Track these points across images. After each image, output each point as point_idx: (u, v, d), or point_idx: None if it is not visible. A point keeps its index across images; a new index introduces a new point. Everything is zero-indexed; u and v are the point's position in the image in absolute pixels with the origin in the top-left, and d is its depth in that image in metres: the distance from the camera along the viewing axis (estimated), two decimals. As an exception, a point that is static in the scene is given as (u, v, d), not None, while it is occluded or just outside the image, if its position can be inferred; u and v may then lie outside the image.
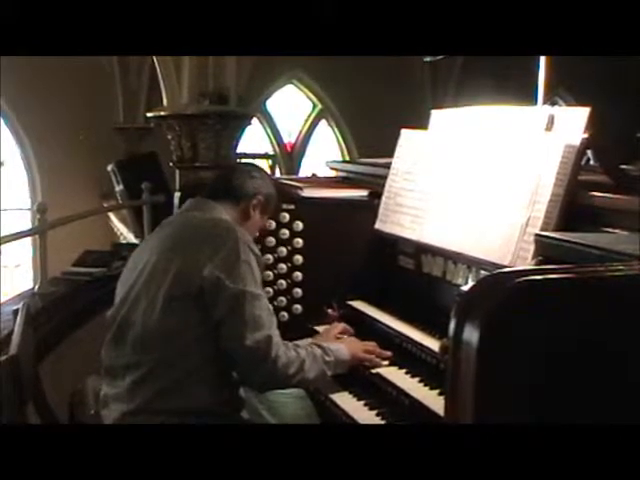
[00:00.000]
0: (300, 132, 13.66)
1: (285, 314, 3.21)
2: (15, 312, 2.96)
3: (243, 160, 8.99)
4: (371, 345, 2.74)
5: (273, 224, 3.19)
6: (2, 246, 5.08)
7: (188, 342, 2.42)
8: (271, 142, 13.36)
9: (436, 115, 3.20)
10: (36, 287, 5.20)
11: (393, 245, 3.09)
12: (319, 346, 2.63)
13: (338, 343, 2.75)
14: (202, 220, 2.62)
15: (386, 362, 2.69)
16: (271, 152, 13.01)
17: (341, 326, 2.91)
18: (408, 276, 3.00)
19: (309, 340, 2.79)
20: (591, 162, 2.71)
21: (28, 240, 9.09)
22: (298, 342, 2.66)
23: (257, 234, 2.90)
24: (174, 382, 2.41)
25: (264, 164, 10.68)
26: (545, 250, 2.03)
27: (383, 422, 2.43)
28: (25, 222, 10.48)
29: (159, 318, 2.42)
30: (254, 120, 9.13)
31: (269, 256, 3.20)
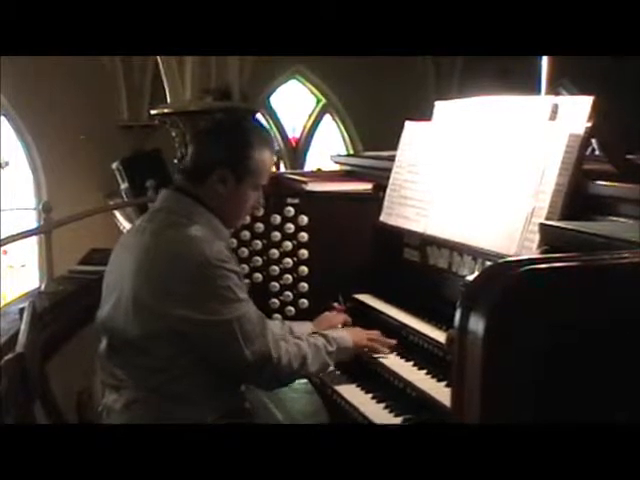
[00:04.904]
0: (304, 127, 13.65)
1: (291, 309, 3.21)
2: (21, 311, 2.95)
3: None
4: (375, 333, 2.74)
5: (278, 218, 3.20)
6: (8, 246, 5.08)
7: (180, 372, 2.36)
8: (275, 137, 13.37)
9: (440, 106, 3.19)
10: (42, 286, 5.19)
11: (398, 238, 3.08)
12: (322, 335, 2.62)
13: (341, 331, 2.75)
14: (172, 243, 2.38)
15: (388, 350, 2.70)
16: (276, 147, 13.01)
17: (342, 317, 2.92)
18: (414, 268, 2.99)
19: (309, 324, 2.83)
20: (596, 152, 2.69)
21: (34, 239, 9.09)
22: (300, 325, 2.67)
23: (251, 209, 2.62)
24: (168, 411, 2.36)
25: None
26: (550, 239, 2.03)
27: (391, 415, 2.43)
28: (31, 221, 10.49)
29: (146, 351, 2.35)
30: (258, 115, 9.13)
31: (275, 251, 3.21)
